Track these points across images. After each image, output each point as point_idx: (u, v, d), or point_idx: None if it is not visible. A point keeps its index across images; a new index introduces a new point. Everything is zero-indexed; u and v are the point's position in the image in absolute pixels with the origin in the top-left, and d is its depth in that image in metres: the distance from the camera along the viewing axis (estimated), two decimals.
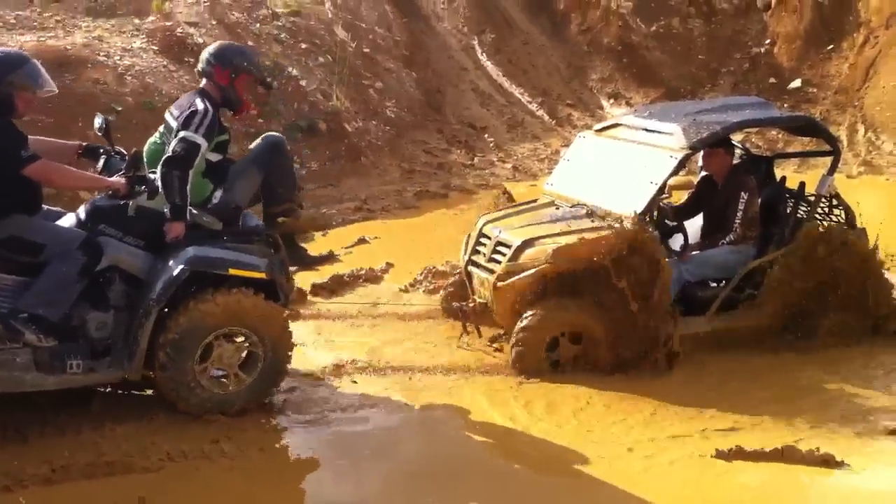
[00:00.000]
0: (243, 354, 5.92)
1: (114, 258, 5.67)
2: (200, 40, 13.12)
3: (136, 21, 13.40)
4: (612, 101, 17.39)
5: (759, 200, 7.50)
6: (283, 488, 5.35)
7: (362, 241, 10.49)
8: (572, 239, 6.89)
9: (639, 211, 6.87)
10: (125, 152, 5.92)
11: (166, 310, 5.69)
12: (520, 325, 6.84)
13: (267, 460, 5.57)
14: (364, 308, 8.15)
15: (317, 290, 8.54)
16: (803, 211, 7.61)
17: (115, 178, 5.67)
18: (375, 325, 7.86)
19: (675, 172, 7.03)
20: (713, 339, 7.17)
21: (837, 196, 7.78)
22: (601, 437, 5.94)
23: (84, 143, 6.11)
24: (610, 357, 6.85)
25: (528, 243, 7.00)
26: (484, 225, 7.53)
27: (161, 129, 6.09)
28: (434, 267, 9.06)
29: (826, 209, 7.83)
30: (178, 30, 13.12)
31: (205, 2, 14.22)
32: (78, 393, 5.79)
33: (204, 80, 6.02)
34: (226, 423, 5.83)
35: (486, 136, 16.00)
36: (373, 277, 9.03)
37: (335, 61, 14.76)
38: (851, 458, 5.57)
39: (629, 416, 6.22)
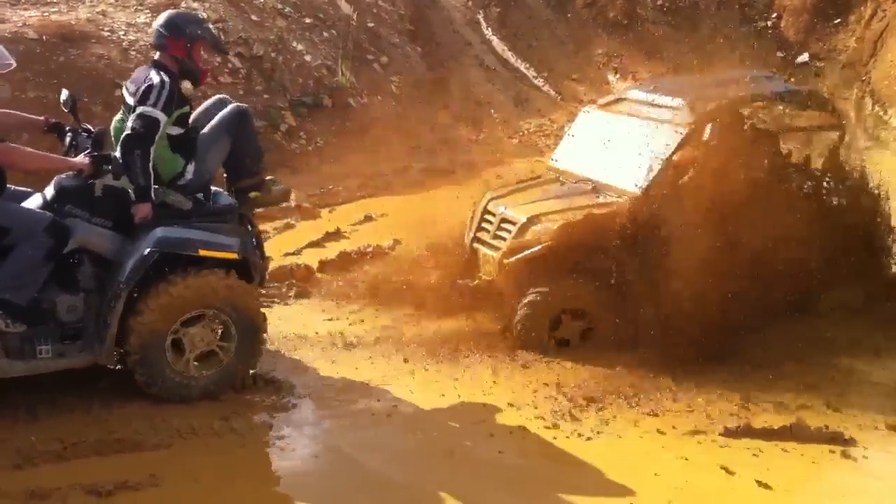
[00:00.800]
0: (219, 332, 5.82)
1: (82, 240, 5.58)
2: (204, 15, 13.02)
3: None
4: (617, 75, 17.29)
5: None
6: (293, 464, 5.36)
7: (368, 218, 10.47)
8: (578, 215, 6.86)
9: (645, 186, 6.84)
10: (92, 129, 5.83)
11: (137, 292, 5.57)
12: (524, 301, 6.84)
13: (276, 437, 5.59)
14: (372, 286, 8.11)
15: (324, 266, 8.53)
16: (809, 186, 7.54)
17: (79, 158, 5.58)
18: (382, 304, 7.82)
19: (681, 146, 6.97)
20: None
21: (844, 171, 7.67)
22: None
23: (51, 119, 6.00)
24: (616, 334, 6.84)
25: (533, 220, 6.99)
26: (489, 202, 7.50)
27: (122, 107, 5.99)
28: (441, 243, 9.04)
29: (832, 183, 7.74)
30: (183, 4, 13.04)
31: None
32: (87, 371, 5.80)
33: (158, 53, 5.85)
34: (235, 400, 5.86)
35: (491, 111, 15.93)
36: (380, 254, 9.01)
37: (340, 36, 14.68)
38: (860, 436, 5.59)
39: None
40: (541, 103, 16.61)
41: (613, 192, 7.04)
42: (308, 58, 13.85)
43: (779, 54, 17.01)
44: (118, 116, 6.01)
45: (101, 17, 12.33)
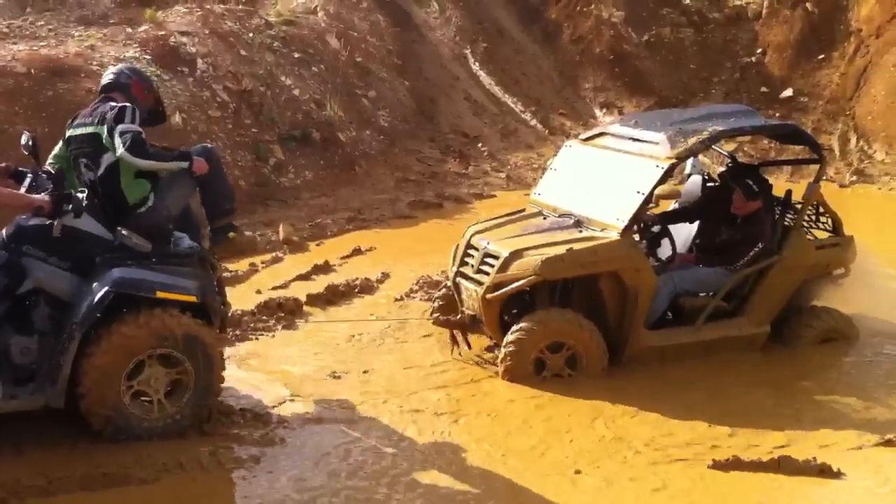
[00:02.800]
0: (170, 381, 5.68)
1: (38, 280, 5.48)
2: (193, 49, 13.12)
3: (129, 30, 13.36)
4: (604, 109, 17.44)
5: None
6: (281, 498, 5.32)
7: (357, 251, 10.47)
8: (560, 250, 6.87)
9: (625, 221, 6.88)
10: (52, 171, 5.82)
11: (91, 333, 5.44)
12: (509, 337, 6.85)
13: (264, 470, 5.55)
14: (358, 321, 8.11)
15: (312, 300, 8.53)
16: (790, 219, 7.62)
17: (39, 196, 5.50)
18: (371, 338, 7.82)
19: (661, 182, 6.96)
20: (700, 349, 7.25)
21: (824, 204, 7.77)
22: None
23: (9, 165, 5.95)
24: (600, 367, 6.90)
25: (515, 255, 6.95)
26: (472, 236, 7.50)
27: (58, 145, 6.03)
28: (429, 277, 9.06)
29: (813, 217, 7.86)
30: (171, 39, 13.10)
31: (197, 11, 14.21)
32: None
33: (115, 92, 5.87)
34: (224, 434, 5.83)
35: (479, 145, 16.02)
36: (368, 287, 9.02)
37: (328, 70, 14.77)
38: (847, 468, 5.59)
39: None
40: (528, 137, 16.72)
41: (595, 226, 7.06)
42: (297, 92, 13.93)
43: (763, 89, 17.20)
44: (56, 151, 6.04)
45: (89, 51, 12.38)
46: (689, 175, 8.30)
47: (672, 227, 7.69)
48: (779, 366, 7.28)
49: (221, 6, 14.88)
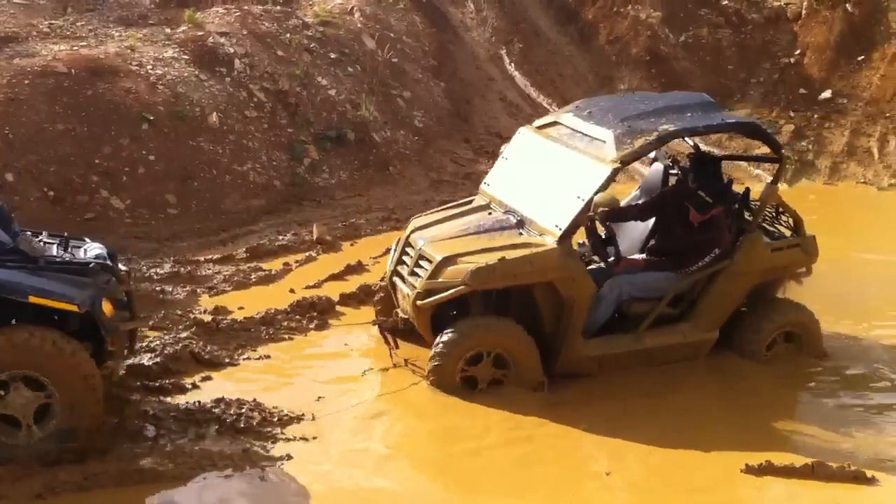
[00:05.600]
0: (39, 404, 5.33)
1: None
2: (231, 50, 13.23)
3: (168, 31, 13.50)
4: None
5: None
6: (312, 496, 5.37)
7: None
8: (492, 258, 6.60)
9: (562, 228, 6.61)
10: None
11: None
12: (437, 344, 6.66)
13: (297, 470, 5.60)
14: None
15: (345, 299, 8.57)
16: (747, 217, 7.26)
17: None
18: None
19: (604, 187, 6.65)
20: (642, 357, 6.98)
21: (783, 204, 7.48)
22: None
23: None
24: (534, 375, 6.71)
25: (448, 260, 6.72)
26: (412, 232, 7.28)
27: None
28: None
29: (772, 216, 7.57)
30: (210, 40, 13.22)
31: (236, 12, 14.32)
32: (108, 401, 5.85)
33: None
34: (257, 433, 5.89)
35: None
36: None
37: (364, 71, 14.82)
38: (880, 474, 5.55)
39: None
40: None
41: (535, 230, 6.78)
42: (332, 92, 13.98)
43: (802, 91, 16.98)
44: None
45: (129, 51, 12.51)
46: (652, 162, 7.98)
47: (626, 225, 7.39)
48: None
49: (259, 7, 14.97)
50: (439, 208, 7.88)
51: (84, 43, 12.69)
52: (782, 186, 14.20)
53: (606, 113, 7.27)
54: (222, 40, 13.37)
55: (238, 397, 6.41)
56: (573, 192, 6.71)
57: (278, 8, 15.34)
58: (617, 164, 6.66)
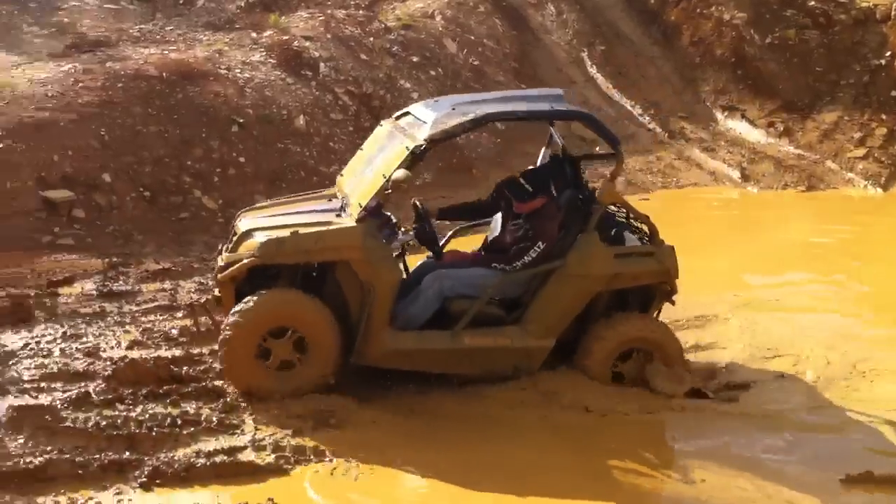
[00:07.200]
0: None
1: None
2: (316, 54, 13.40)
3: (254, 35, 13.75)
4: (726, 113, 17.04)
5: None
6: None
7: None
8: (285, 233, 6.31)
9: (363, 205, 6.32)
10: None
11: None
12: (227, 320, 6.21)
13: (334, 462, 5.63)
14: None
15: None
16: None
17: None
18: None
19: (407, 166, 6.27)
20: (462, 357, 6.47)
21: (629, 207, 7.00)
22: None
23: None
24: (331, 356, 6.28)
25: (247, 234, 6.48)
26: (239, 215, 7.08)
27: None
28: None
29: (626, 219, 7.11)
30: (295, 44, 13.41)
31: (320, 16, 14.51)
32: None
33: None
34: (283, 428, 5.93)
35: (596, 148, 15.84)
36: None
37: (445, 74, 14.88)
38: None
39: None
40: (647, 141, 16.47)
41: (351, 210, 6.47)
42: (415, 95, 14.05)
43: (893, 93, 16.56)
44: None
45: (217, 55, 12.76)
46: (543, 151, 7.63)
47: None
48: None
49: (342, 11, 15.16)
50: (291, 195, 7.70)
51: (174, 47, 12.98)
52: (877, 192, 14.10)
53: (450, 101, 7.06)
54: (307, 44, 13.56)
55: None
56: (382, 172, 6.45)
57: (361, 12, 15.53)
58: (423, 143, 6.35)
